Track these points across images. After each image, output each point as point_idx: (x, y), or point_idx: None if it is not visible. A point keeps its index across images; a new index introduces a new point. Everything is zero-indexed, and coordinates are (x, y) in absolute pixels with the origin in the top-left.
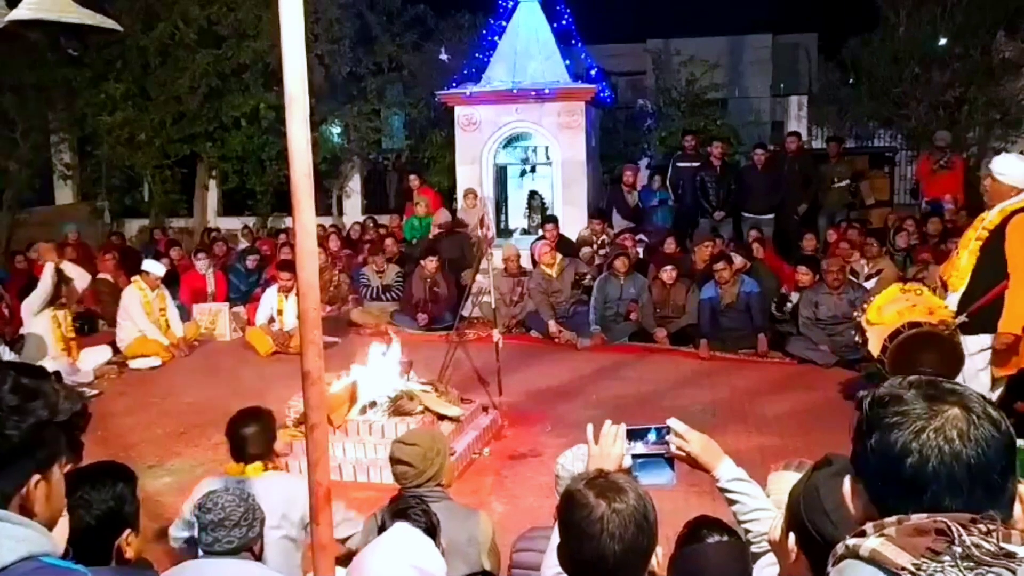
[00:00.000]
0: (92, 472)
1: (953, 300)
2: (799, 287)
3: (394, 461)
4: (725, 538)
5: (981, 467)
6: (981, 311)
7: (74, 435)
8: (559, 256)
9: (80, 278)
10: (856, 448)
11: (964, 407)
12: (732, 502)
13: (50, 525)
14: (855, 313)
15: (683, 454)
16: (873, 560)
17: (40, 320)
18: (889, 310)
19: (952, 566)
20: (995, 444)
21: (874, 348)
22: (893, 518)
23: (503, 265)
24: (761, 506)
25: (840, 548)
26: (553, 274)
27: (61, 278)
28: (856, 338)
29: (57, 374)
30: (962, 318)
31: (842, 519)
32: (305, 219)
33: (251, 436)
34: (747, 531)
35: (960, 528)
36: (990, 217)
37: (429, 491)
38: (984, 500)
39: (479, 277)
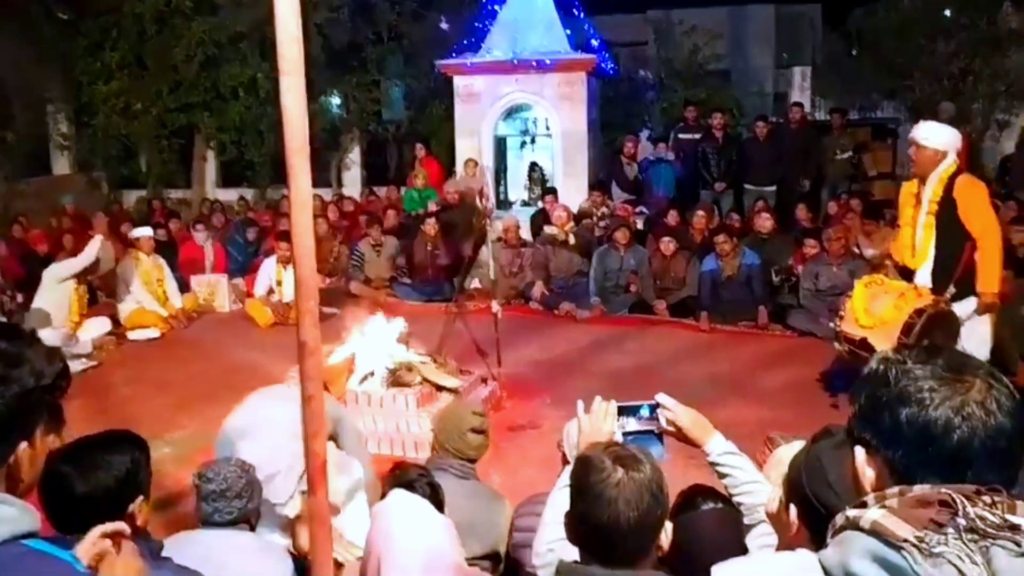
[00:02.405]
0: (108, 438)
1: (923, 276)
2: (804, 259)
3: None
4: (720, 506)
5: (1017, 438)
6: (963, 277)
7: (56, 397)
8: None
9: (108, 260)
10: (879, 422)
11: (986, 377)
12: (723, 475)
13: (30, 489)
14: (840, 312)
15: (673, 429)
16: (874, 532)
17: (59, 290)
18: (879, 308)
19: (956, 538)
20: (1018, 413)
21: (886, 349)
22: (895, 489)
23: (503, 236)
24: (752, 479)
25: (840, 519)
26: (562, 237)
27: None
28: (839, 347)
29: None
30: (952, 290)
31: (845, 490)
32: (300, 189)
33: None
34: (739, 504)
35: (964, 500)
36: (930, 191)
37: (459, 466)
38: (1013, 471)
39: (481, 248)
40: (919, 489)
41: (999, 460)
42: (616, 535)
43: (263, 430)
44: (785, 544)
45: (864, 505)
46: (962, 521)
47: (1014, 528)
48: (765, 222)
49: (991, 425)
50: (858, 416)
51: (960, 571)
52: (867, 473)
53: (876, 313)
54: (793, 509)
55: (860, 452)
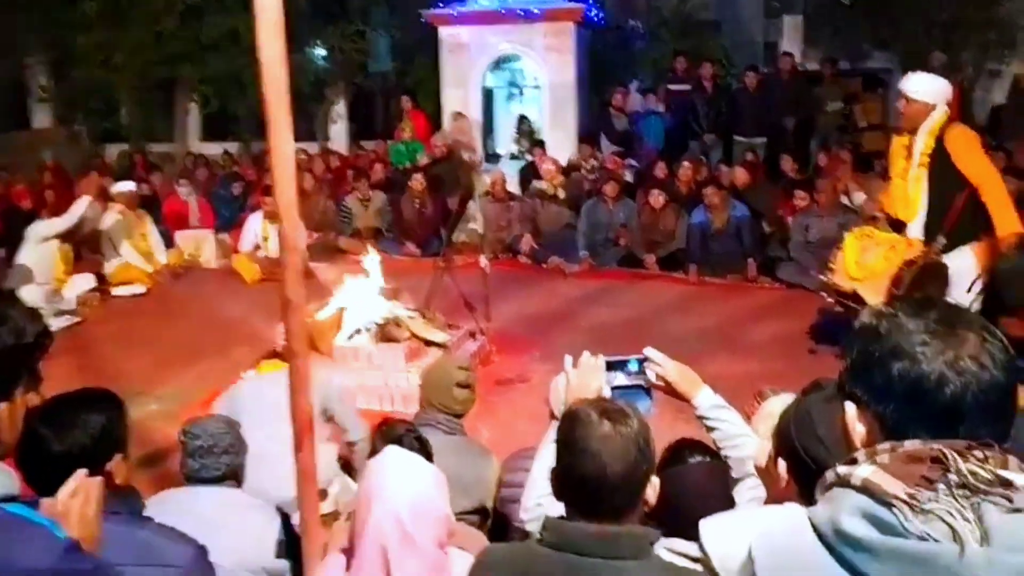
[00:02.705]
0: (83, 396)
1: (915, 229)
2: (794, 211)
3: None
4: (707, 459)
5: (1010, 392)
6: (954, 227)
7: (37, 356)
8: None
9: (94, 220)
10: (871, 377)
11: (980, 330)
12: (711, 429)
13: (10, 450)
14: (830, 264)
15: (662, 383)
16: (865, 489)
17: (41, 248)
18: (869, 259)
19: (947, 495)
20: (1012, 367)
21: (875, 301)
22: (886, 445)
23: (490, 190)
24: (740, 432)
25: (830, 476)
26: (551, 191)
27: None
28: (829, 299)
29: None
30: (942, 241)
31: (835, 444)
32: (281, 141)
33: None
34: (727, 457)
35: (956, 455)
36: (922, 143)
37: (446, 421)
38: (1006, 425)
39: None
40: (910, 445)
41: (992, 415)
42: (601, 488)
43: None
44: (773, 498)
45: (854, 461)
46: (953, 477)
47: (1006, 484)
48: (741, 175)
49: (984, 379)
50: (849, 371)
51: (951, 528)
52: (858, 429)
53: (866, 265)
54: (782, 463)
55: (851, 407)
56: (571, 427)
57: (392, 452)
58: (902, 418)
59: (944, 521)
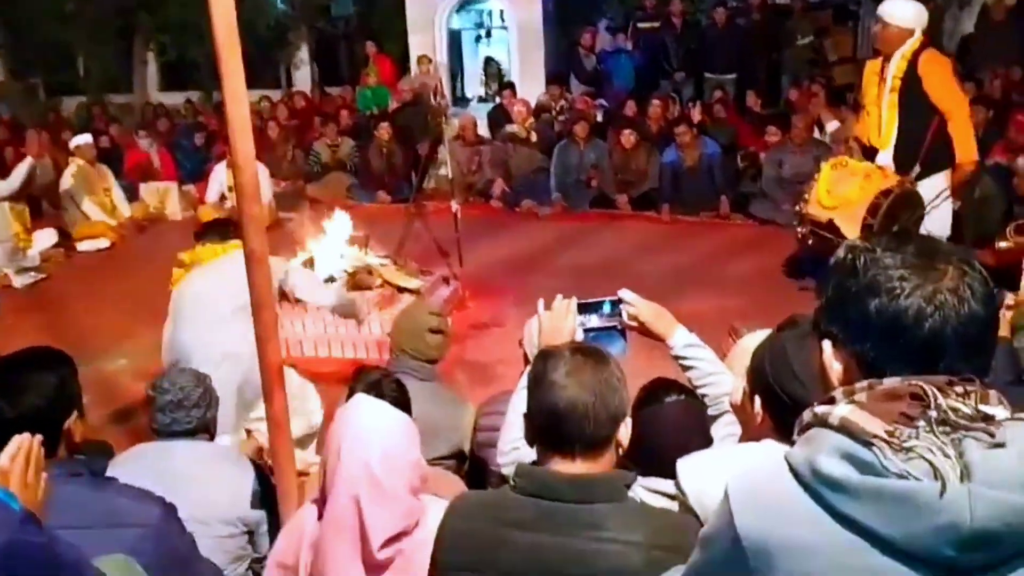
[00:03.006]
0: (30, 358)
1: (885, 157)
2: (767, 147)
3: None
4: (683, 398)
5: (990, 325)
6: (928, 155)
7: None
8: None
9: (45, 175)
10: (847, 314)
11: (959, 263)
12: (687, 368)
13: None
14: (804, 195)
15: (636, 324)
16: (843, 428)
17: None
18: (844, 189)
19: (927, 431)
20: (991, 299)
21: (851, 231)
22: (864, 383)
23: (460, 134)
24: (715, 370)
25: (807, 416)
26: (523, 134)
27: (32, 176)
28: (800, 230)
29: None
30: (917, 169)
31: (811, 380)
32: (234, 87)
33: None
34: (703, 395)
35: (936, 391)
36: (894, 67)
37: (419, 368)
38: (986, 359)
39: (439, 147)
40: (889, 382)
41: (972, 349)
42: (571, 421)
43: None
44: (749, 435)
45: (832, 401)
46: (933, 414)
47: (987, 419)
48: (697, 114)
49: (964, 313)
50: (825, 308)
51: (932, 465)
52: (834, 367)
53: (841, 194)
54: (757, 400)
55: (827, 346)
56: (542, 364)
57: (360, 400)
58: (880, 355)
59: (924, 458)
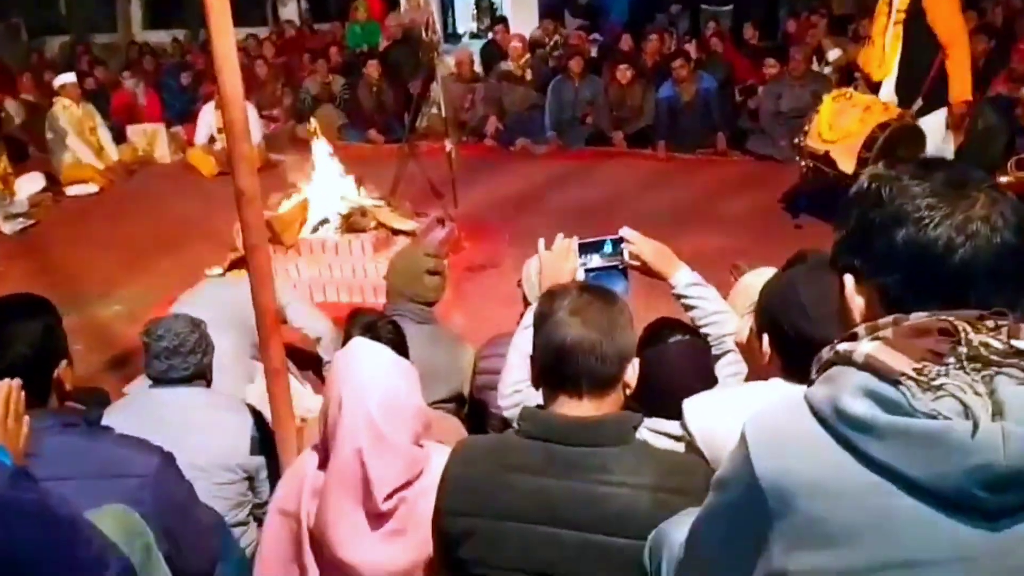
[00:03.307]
0: (10, 308)
1: (886, 90)
2: (765, 81)
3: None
4: (687, 337)
5: (1023, 254)
6: (931, 89)
7: None
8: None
9: (16, 111)
10: (871, 246)
11: (990, 190)
12: (689, 308)
13: None
14: (804, 127)
15: (638, 263)
16: (868, 366)
17: None
18: (844, 122)
19: (957, 368)
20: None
21: (847, 164)
22: (888, 318)
23: (456, 71)
24: (719, 308)
25: (827, 353)
26: (519, 72)
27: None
28: (802, 164)
29: None
30: (919, 103)
31: (821, 317)
32: (220, 21)
33: None
34: (706, 335)
35: (966, 326)
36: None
37: (417, 310)
38: (1019, 292)
39: (432, 85)
40: (916, 317)
41: (1004, 281)
42: (578, 359)
43: None
44: (756, 374)
45: (854, 337)
46: (964, 349)
47: (1020, 354)
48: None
49: (996, 243)
50: (846, 241)
51: (962, 403)
52: (856, 302)
53: (840, 127)
54: (766, 338)
55: (849, 280)
56: (548, 302)
57: (358, 345)
58: (906, 289)
59: (954, 397)
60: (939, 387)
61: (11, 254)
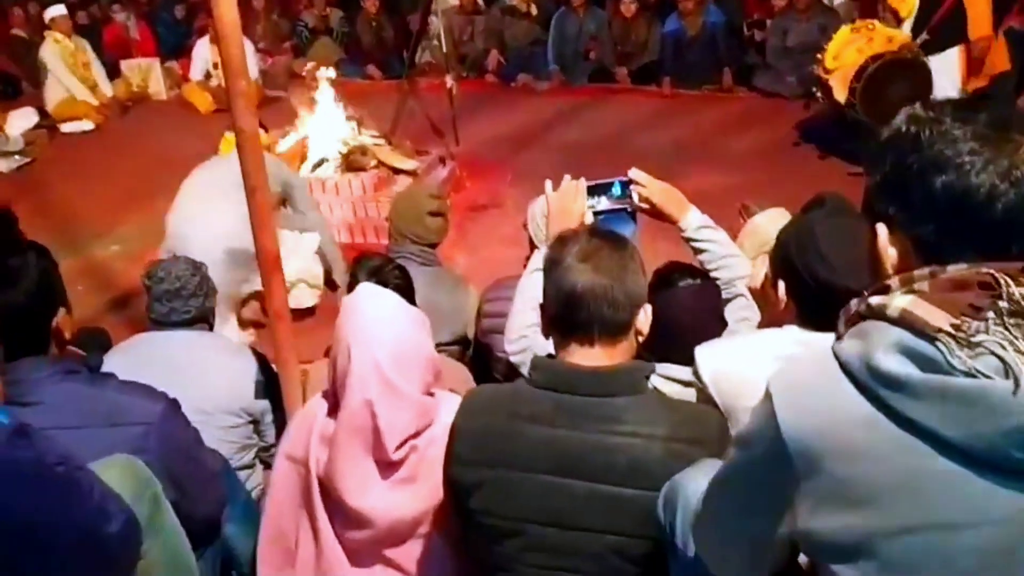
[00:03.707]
0: (4, 252)
1: (908, 27)
2: (774, 13)
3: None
4: (697, 281)
5: None
6: (942, 25)
7: None
8: None
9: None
10: (908, 193)
11: None
12: (699, 251)
13: None
14: (818, 55)
15: (647, 206)
16: (902, 321)
17: None
18: (846, 52)
19: (998, 324)
20: None
21: (840, 94)
22: (925, 270)
23: (455, 2)
24: (729, 252)
25: (857, 305)
26: (524, 8)
27: None
28: (816, 93)
29: None
30: (923, 36)
31: (841, 264)
32: None
33: None
34: (716, 279)
35: (1008, 279)
36: None
37: (420, 252)
38: None
39: (430, 19)
40: (954, 269)
41: None
42: (590, 305)
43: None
44: (770, 320)
45: (886, 290)
46: (1005, 304)
47: None
48: None
49: None
50: (880, 187)
51: (1003, 361)
52: (889, 252)
53: (843, 57)
54: (781, 285)
55: (882, 229)
56: (558, 248)
57: (365, 292)
58: (945, 239)
59: (994, 354)
60: (978, 344)
61: (8, 193)
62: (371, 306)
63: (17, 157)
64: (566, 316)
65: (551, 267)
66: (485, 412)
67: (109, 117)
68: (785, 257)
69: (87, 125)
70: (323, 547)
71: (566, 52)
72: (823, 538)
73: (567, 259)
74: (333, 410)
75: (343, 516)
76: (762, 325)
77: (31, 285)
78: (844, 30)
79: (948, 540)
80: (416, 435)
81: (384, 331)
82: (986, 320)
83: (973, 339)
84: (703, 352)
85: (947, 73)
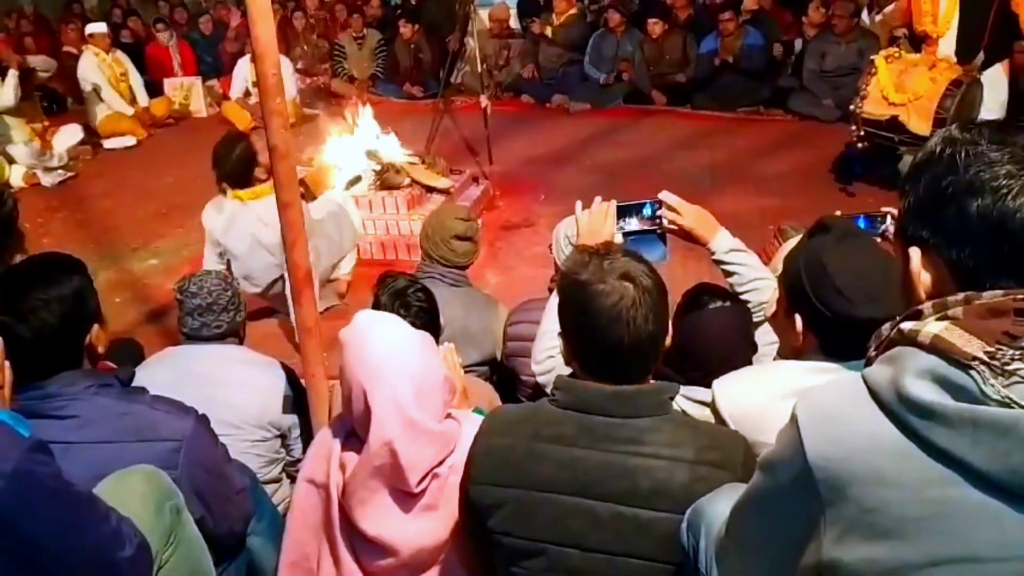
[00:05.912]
0: (39, 271)
1: (946, 47)
2: (806, 37)
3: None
4: (727, 304)
5: None
6: (991, 42)
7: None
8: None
9: (44, 65)
10: (943, 216)
11: None
12: (729, 274)
13: None
14: (861, 92)
15: (676, 228)
16: (935, 348)
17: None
18: (912, 82)
19: None
20: None
21: (921, 126)
22: (959, 296)
23: (489, 26)
24: (759, 275)
25: (889, 330)
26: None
27: (25, 78)
28: (855, 131)
29: None
30: (981, 57)
31: (859, 295)
32: None
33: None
34: (746, 302)
35: None
36: None
37: (448, 273)
38: None
39: (466, 40)
40: (990, 296)
41: None
42: (616, 358)
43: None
44: (789, 350)
45: (918, 315)
46: None
47: None
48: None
49: None
50: (913, 210)
51: None
52: (923, 277)
53: (909, 88)
54: (799, 320)
55: (915, 253)
56: (576, 294)
57: (366, 324)
58: (980, 264)
59: None
60: (1013, 372)
61: (50, 206)
62: (378, 339)
63: (60, 172)
64: (589, 363)
65: (570, 303)
66: (506, 432)
67: (151, 134)
68: (795, 291)
69: (129, 141)
70: (344, 573)
71: (602, 73)
72: (848, 569)
73: (589, 311)
74: (349, 437)
75: (366, 545)
76: (780, 353)
77: (65, 305)
78: (880, 63)
79: (975, 574)
80: (439, 464)
81: (399, 367)
82: (1022, 348)
83: (1008, 367)
84: (721, 386)
85: (997, 86)
